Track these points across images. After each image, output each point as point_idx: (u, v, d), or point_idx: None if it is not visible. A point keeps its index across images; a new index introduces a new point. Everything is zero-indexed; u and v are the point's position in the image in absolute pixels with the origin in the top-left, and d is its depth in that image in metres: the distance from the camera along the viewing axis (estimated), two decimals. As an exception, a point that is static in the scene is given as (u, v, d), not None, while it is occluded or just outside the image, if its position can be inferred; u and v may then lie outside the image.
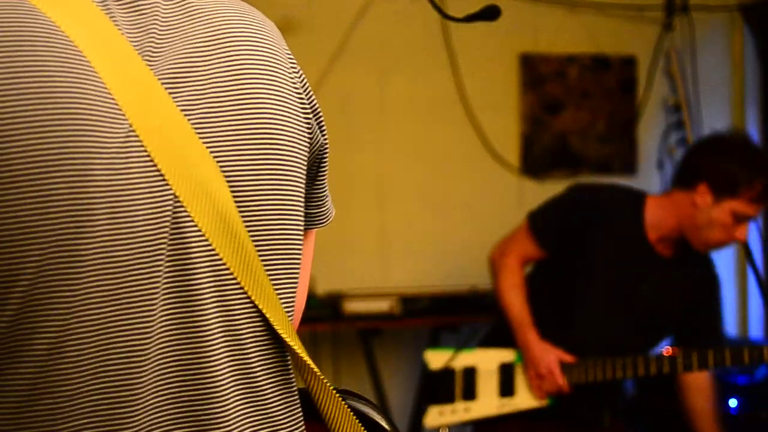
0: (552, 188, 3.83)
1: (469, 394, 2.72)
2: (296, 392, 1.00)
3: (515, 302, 2.65)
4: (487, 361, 2.72)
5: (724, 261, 4.04)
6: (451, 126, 3.71)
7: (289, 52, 1.02)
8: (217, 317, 0.91)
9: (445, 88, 3.64)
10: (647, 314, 2.61)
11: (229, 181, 0.91)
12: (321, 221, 1.10)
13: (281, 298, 0.96)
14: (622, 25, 3.89)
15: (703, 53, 3.94)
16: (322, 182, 1.08)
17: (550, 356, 2.59)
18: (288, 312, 0.98)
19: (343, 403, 0.99)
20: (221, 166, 0.90)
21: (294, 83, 1.00)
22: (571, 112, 3.84)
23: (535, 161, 3.81)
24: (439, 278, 3.73)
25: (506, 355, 2.72)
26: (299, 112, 0.99)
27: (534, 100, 3.79)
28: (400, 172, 3.70)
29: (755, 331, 4.05)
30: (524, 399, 2.66)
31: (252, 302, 0.92)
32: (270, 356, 0.95)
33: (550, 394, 2.62)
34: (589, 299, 2.62)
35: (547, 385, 2.60)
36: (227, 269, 0.90)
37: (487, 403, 2.69)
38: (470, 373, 2.72)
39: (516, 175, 3.76)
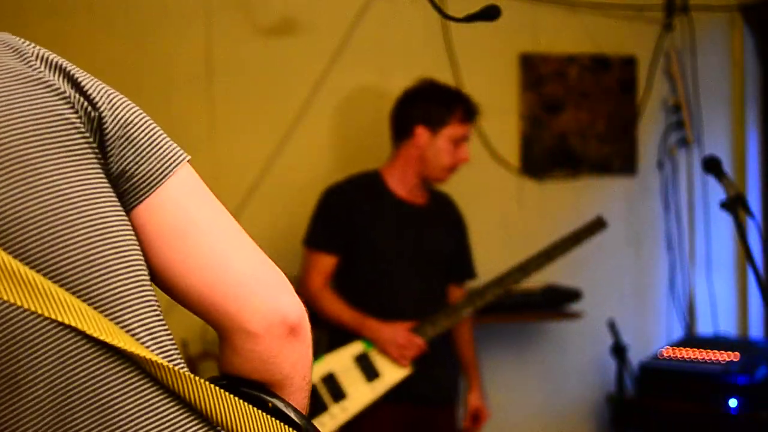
0: (552, 188, 3.84)
1: (339, 395, 2.87)
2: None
3: (341, 309, 2.93)
4: (339, 361, 2.91)
5: (725, 261, 4.04)
6: (451, 126, 3.70)
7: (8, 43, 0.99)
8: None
9: (445, 88, 3.63)
10: (434, 259, 3.02)
11: None
12: (162, 173, 0.98)
13: (113, 295, 0.93)
14: (622, 25, 3.89)
15: (703, 53, 3.94)
16: (125, 141, 0.98)
17: (399, 328, 2.88)
18: (132, 304, 0.95)
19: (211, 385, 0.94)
20: None
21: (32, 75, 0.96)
22: (571, 112, 3.84)
23: (535, 161, 3.81)
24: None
25: (354, 348, 2.93)
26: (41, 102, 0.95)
27: (534, 100, 3.79)
28: (400, 172, 3.69)
29: (755, 331, 4.05)
30: (391, 374, 2.90)
31: (49, 319, 0.88)
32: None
33: (412, 358, 2.88)
34: (392, 275, 2.95)
35: (410, 351, 2.87)
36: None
37: (360, 393, 2.88)
38: (330, 379, 2.88)
39: (516, 175, 3.76)
